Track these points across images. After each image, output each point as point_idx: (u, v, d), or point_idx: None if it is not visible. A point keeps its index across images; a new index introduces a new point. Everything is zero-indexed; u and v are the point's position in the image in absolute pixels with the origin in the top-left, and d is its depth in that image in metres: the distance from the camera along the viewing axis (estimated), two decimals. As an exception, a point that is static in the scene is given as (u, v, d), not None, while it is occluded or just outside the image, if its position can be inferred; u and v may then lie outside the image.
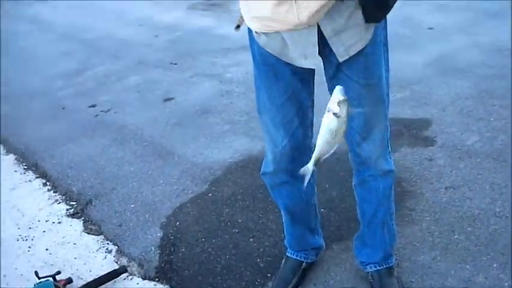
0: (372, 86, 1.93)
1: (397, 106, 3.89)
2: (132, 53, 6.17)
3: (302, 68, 1.88)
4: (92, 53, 6.44)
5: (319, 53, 1.81)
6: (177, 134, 4.01)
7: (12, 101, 5.26)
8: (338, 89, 1.60)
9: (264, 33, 1.88)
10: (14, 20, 9.14)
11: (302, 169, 1.73)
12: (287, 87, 1.96)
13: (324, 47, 1.81)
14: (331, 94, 1.95)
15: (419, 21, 5.82)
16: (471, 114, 3.71)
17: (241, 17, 1.93)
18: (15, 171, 3.90)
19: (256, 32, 1.91)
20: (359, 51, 1.84)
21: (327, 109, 1.60)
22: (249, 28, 1.94)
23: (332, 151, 1.64)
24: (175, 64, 5.49)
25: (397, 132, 3.54)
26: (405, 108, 3.88)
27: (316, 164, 1.68)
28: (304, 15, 1.71)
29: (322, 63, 1.91)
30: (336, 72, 1.91)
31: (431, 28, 5.56)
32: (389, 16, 1.87)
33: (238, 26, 1.98)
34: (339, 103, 1.58)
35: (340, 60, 1.83)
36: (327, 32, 1.78)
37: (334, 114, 1.59)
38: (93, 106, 4.75)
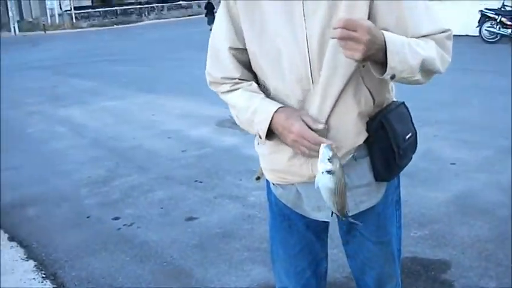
0: (384, 243, 2.01)
1: (417, 245, 3.92)
2: (159, 166, 6.33)
3: (316, 220, 1.96)
4: (121, 162, 6.61)
5: None
6: (196, 256, 4.05)
7: (39, 204, 5.38)
8: (324, 148, 1.63)
9: (279, 184, 1.99)
10: (49, 121, 9.47)
11: None
12: (301, 239, 2.04)
13: None
14: (345, 249, 2.04)
15: (441, 156, 5.93)
16: (490, 259, 3.72)
17: (261, 169, 2.05)
18: (34, 278, 3.94)
19: (273, 183, 2.02)
20: (371, 210, 1.94)
21: (319, 172, 1.64)
22: (267, 180, 2.06)
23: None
24: (201, 182, 5.60)
25: (416, 273, 3.55)
26: (424, 248, 3.90)
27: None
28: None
29: (336, 218, 1.99)
30: (349, 228, 1.99)
31: (453, 163, 5.65)
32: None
33: (258, 178, 2.10)
34: (330, 159, 1.62)
35: (350, 213, 1.91)
36: None
37: (328, 172, 1.63)
38: (117, 219, 4.83)
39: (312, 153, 1.70)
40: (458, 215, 4.44)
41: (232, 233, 4.39)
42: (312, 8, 1.72)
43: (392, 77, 1.61)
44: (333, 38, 1.56)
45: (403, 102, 1.96)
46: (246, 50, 1.89)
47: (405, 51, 1.60)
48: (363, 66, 1.75)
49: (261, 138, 1.83)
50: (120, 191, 5.55)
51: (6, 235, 4.67)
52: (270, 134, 1.81)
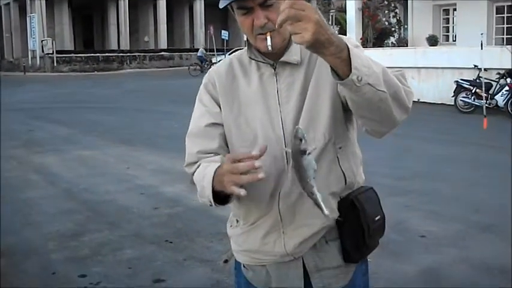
0: None
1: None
2: (130, 223, 6.27)
3: None
4: (92, 216, 6.56)
5: None
6: (161, 322, 4.01)
7: (8, 256, 5.32)
8: (298, 131, 1.64)
9: (250, 266, 2.03)
10: (25, 168, 9.43)
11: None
12: None
13: (305, 282, 1.95)
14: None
15: (411, 228, 5.96)
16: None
17: (231, 252, 2.08)
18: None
19: (244, 266, 2.04)
20: None
21: (299, 155, 1.65)
22: (236, 262, 2.09)
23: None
24: (171, 242, 5.55)
25: None
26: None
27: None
28: (290, 246, 1.87)
29: None
30: None
31: (423, 236, 5.68)
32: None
33: (226, 261, 2.13)
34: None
35: None
36: (309, 267, 1.94)
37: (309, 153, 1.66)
38: (84, 276, 4.76)
39: (245, 178, 1.63)
40: (426, 291, 4.46)
41: (199, 299, 4.35)
42: (286, 96, 1.87)
43: (360, 80, 1.54)
44: (279, 21, 1.48)
45: (372, 187, 2.03)
46: (223, 125, 1.96)
47: (368, 59, 1.60)
48: (340, 148, 1.84)
49: (211, 205, 1.82)
50: (88, 247, 5.49)
51: (-29, 289, 4.60)
52: (225, 200, 1.82)
